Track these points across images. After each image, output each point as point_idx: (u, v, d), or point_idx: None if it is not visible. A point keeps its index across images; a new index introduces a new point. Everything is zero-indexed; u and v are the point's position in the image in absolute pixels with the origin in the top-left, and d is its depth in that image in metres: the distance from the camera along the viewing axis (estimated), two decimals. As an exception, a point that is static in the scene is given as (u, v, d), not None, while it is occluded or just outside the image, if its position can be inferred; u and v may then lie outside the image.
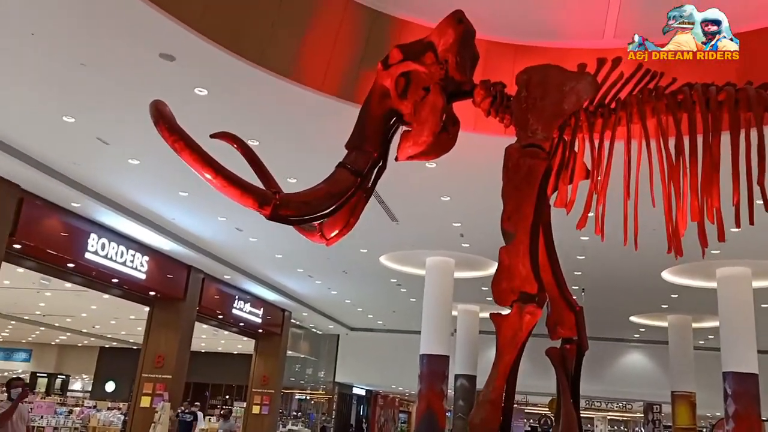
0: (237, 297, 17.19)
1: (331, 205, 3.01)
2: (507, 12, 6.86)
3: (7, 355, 33.02)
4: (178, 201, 10.83)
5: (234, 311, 17.11)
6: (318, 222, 3.24)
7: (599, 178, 3.33)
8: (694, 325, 17.41)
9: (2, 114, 7.87)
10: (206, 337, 22.14)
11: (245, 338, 20.35)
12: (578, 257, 12.03)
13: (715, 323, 13.83)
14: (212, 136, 3.20)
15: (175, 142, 2.65)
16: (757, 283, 12.39)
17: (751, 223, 3.11)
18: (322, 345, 25.76)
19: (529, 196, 3.04)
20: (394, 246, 12.99)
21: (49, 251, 10.82)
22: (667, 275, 13.43)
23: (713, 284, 12.69)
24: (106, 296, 15.07)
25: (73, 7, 5.67)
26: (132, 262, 12.73)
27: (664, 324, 17.83)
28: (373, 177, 3.26)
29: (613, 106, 3.37)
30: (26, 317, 22.47)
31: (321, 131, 7.54)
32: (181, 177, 9.66)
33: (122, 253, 12.44)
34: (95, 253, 11.68)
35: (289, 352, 21.63)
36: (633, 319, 18.64)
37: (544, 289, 3.00)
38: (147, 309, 14.97)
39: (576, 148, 3.37)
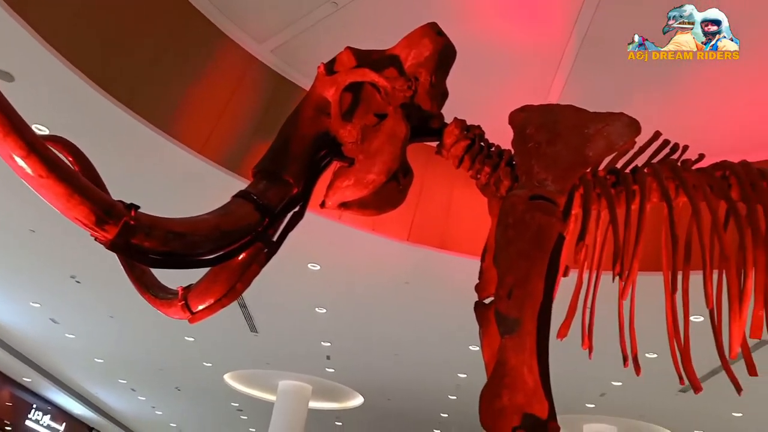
0: (35, 406, 14.29)
1: (218, 248, 1.91)
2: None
3: None
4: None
5: (28, 422, 14.16)
6: (183, 287, 2.08)
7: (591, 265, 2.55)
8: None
9: None
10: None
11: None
12: (449, 396, 10.98)
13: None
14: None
15: None
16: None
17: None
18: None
19: (539, 267, 2.11)
20: (246, 363, 11.31)
21: None
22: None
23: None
24: None
25: None
26: None
27: None
28: (284, 223, 2.22)
29: (628, 172, 2.57)
30: None
31: (197, 205, 6.21)
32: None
33: None
34: None
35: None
36: None
37: (556, 415, 1.97)
38: None
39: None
